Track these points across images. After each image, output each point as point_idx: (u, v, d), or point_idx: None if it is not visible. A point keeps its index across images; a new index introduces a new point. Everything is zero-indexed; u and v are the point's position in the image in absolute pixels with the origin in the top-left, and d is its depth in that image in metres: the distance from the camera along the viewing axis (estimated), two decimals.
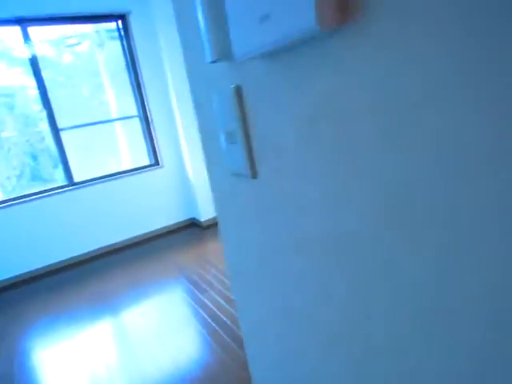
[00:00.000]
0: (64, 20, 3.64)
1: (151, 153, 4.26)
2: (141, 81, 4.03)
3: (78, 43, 3.90)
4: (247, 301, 0.67)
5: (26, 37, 3.49)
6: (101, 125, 4.00)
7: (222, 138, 0.55)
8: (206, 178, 4.27)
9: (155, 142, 4.22)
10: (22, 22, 3.42)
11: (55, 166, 3.89)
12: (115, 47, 4.03)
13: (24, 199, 3.62)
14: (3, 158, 3.62)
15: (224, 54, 0.47)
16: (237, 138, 0.52)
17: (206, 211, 4.30)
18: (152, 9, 3.81)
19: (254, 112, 0.48)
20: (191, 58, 0.59)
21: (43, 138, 3.79)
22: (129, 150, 4.28)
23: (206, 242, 3.95)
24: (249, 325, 0.69)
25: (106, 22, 3.89)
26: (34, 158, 3.81)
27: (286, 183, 0.46)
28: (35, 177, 3.85)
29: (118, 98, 4.10)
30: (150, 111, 4.11)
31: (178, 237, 4.19)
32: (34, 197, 3.66)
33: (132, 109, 4.15)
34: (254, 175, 0.52)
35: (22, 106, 3.68)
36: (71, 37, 3.84)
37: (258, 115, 0.47)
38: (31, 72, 3.59)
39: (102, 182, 3.93)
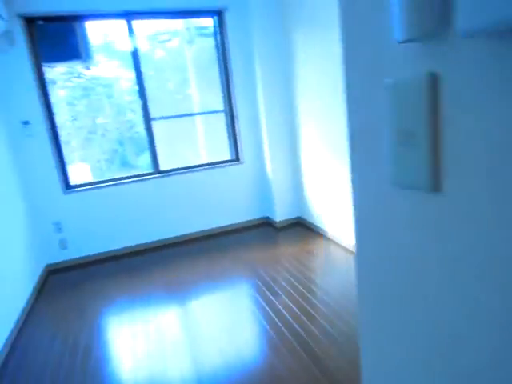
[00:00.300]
0: (165, 14, 3.80)
1: (233, 148, 4.29)
2: (230, 77, 4.07)
3: (169, 39, 4.11)
4: (378, 331, 0.56)
5: (131, 30, 3.70)
6: (185, 117, 4.16)
7: (392, 138, 0.45)
8: (286, 177, 4.20)
9: (238, 137, 4.24)
10: (129, 15, 3.64)
11: (138, 154, 4.14)
12: (203, 44, 4.18)
13: (114, 182, 3.86)
14: (97, 142, 3.92)
15: (428, 29, 0.36)
16: (419, 139, 0.41)
17: (281, 212, 4.24)
18: (248, 5, 3.82)
19: (453, 109, 0.37)
20: (357, 39, 0.49)
21: (131, 127, 4.06)
22: (208, 143, 4.38)
23: (279, 243, 3.89)
24: (374, 365, 0.59)
25: (203, 17, 4.00)
26: (122, 144, 4.10)
27: (483, 206, 0.34)
28: (122, 162, 4.15)
29: (201, 93, 4.25)
30: (236, 107, 4.14)
31: (250, 235, 4.18)
32: (123, 181, 3.88)
33: (216, 103, 4.22)
34: (436, 188, 0.41)
35: (117, 96, 3.98)
36: (163, 33, 4.06)
37: (460, 114, 0.36)
38: (129, 64, 3.83)
39: (184, 172, 4.06)
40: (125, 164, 4.15)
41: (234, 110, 4.16)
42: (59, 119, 3.68)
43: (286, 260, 3.43)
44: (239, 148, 4.25)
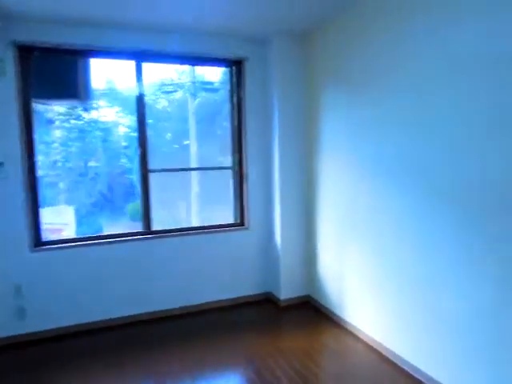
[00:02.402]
0: (180, 59, 3.51)
1: (238, 211, 3.80)
2: (243, 131, 3.71)
3: (175, 91, 4.02)
4: None
5: (139, 72, 3.35)
6: (184, 172, 3.90)
7: None
8: (297, 248, 3.68)
9: (245, 199, 3.76)
10: (139, 55, 3.31)
11: (128, 201, 3.93)
12: (208, 98, 4.10)
13: (95, 241, 3.26)
14: (86, 185, 3.66)
15: None
16: None
17: (287, 288, 3.65)
18: (269, 58, 3.59)
19: None
20: None
21: (123, 173, 3.90)
22: (209, 202, 4.03)
23: (282, 326, 3.28)
24: None
25: (220, 65, 3.75)
26: (111, 189, 3.91)
27: None
28: (110, 208, 3.90)
29: (203, 147, 4.00)
30: (246, 164, 3.71)
31: (249, 313, 3.54)
32: (106, 240, 3.28)
33: (219, 159, 3.92)
34: None
35: (113, 141, 3.82)
36: (169, 85, 3.96)
37: None
38: (130, 109, 3.57)
39: (179, 235, 3.51)
40: (112, 210, 3.88)
41: (244, 168, 3.73)
42: (49, 160, 3.32)
43: (288, 348, 2.82)
44: (245, 211, 3.76)
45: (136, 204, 3.88)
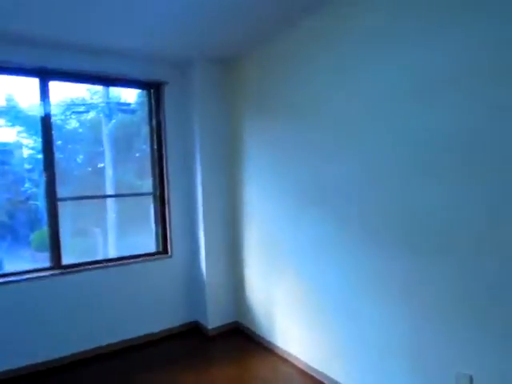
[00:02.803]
0: (92, 79, 3.25)
1: (160, 238, 3.58)
2: (163, 155, 3.55)
3: (87, 111, 3.81)
4: None
5: (44, 92, 3.03)
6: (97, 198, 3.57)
7: None
8: (223, 274, 3.57)
9: (167, 225, 3.57)
10: (45, 73, 3.00)
11: (34, 229, 3.57)
12: (122, 119, 3.91)
13: None
14: None
15: None
16: None
17: (215, 316, 3.51)
18: (190, 81, 3.52)
19: None
20: None
21: (28, 199, 3.57)
22: (126, 230, 3.75)
23: (211, 356, 3.12)
24: None
25: (137, 87, 3.58)
26: (12, 217, 3.54)
27: None
28: (7, 237, 3.48)
29: (116, 170, 3.75)
30: (168, 190, 3.54)
31: (174, 347, 3.32)
32: (8, 278, 2.84)
33: (139, 184, 3.73)
34: None
35: (15, 164, 3.51)
36: (80, 105, 3.74)
37: None
38: (33, 129, 3.28)
39: (93, 268, 3.18)
40: (15, 239, 3.47)
41: (166, 194, 3.56)
42: None
43: None
44: (168, 238, 3.56)
45: (42, 232, 3.50)
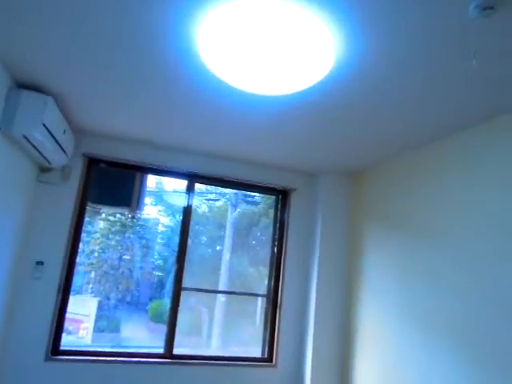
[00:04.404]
0: (229, 183, 3.64)
1: (266, 344, 3.50)
2: (282, 258, 3.64)
3: (217, 200, 4.20)
4: None
5: (190, 189, 3.51)
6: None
7: None
8: None
9: (276, 331, 3.50)
10: (192, 176, 3.51)
11: (152, 299, 3.93)
12: (246, 209, 4.21)
13: (109, 358, 3.09)
14: (115, 278, 3.64)
15: None
16: None
17: None
18: (315, 189, 3.70)
19: None
20: None
21: (153, 269, 3.93)
22: (233, 331, 3.80)
23: None
24: None
25: (268, 194, 3.86)
26: (138, 285, 3.89)
27: None
28: (131, 303, 3.79)
29: (233, 255, 3.95)
30: (282, 293, 3.56)
31: None
32: (122, 359, 3.12)
33: (245, 270, 3.86)
34: None
35: (150, 239, 3.95)
36: (212, 192, 4.15)
37: None
38: (175, 210, 3.78)
39: (196, 364, 3.25)
40: (135, 305, 3.81)
41: (279, 297, 3.55)
42: (88, 248, 3.48)
43: None
44: (275, 345, 3.47)
45: (160, 303, 3.81)
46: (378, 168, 3.28)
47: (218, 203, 4.29)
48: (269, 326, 3.54)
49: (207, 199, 4.26)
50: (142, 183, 3.51)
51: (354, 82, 1.93)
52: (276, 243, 3.70)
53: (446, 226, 2.42)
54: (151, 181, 3.94)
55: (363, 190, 3.46)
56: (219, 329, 3.83)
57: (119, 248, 3.72)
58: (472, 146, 2.31)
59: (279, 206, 3.78)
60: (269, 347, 3.49)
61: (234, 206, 4.20)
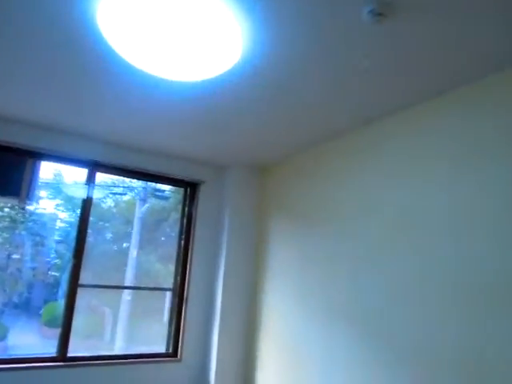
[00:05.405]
0: (135, 174, 3.49)
1: (171, 339, 3.42)
2: (189, 251, 3.59)
3: (124, 193, 4.04)
4: None
5: (90, 180, 3.25)
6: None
7: None
8: None
9: (182, 326, 3.44)
10: (94, 165, 3.26)
11: (46, 302, 3.66)
12: (155, 204, 4.13)
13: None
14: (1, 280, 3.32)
15: None
16: None
17: None
18: (223, 182, 3.73)
19: None
20: None
21: (49, 269, 3.66)
22: (135, 326, 3.69)
23: None
24: None
25: (176, 185, 3.79)
26: (30, 287, 3.60)
27: None
28: (21, 307, 3.50)
29: (140, 251, 3.85)
30: (188, 287, 3.51)
31: None
32: (9, 365, 2.78)
33: (153, 266, 3.82)
34: None
35: (46, 236, 3.67)
36: (119, 186, 3.98)
37: None
38: (70, 206, 3.56)
39: (97, 364, 3.05)
40: (26, 309, 3.50)
41: (186, 291, 3.50)
42: None
43: None
44: (180, 339, 3.41)
45: (55, 305, 3.51)
46: (286, 162, 3.41)
47: (126, 197, 4.11)
48: (174, 320, 3.48)
49: (113, 193, 4.03)
50: (34, 171, 3.15)
51: (259, 76, 1.96)
52: (183, 237, 3.64)
53: (344, 217, 2.61)
54: (48, 171, 3.60)
55: (271, 183, 3.58)
56: (124, 329, 3.66)
57: (7, 246, 3.36)
58: (369, 141, 2.52)
59: (187, 199, 3.72)
60: (174, 342, 3.44)
61: (143, 201, 4.05)
